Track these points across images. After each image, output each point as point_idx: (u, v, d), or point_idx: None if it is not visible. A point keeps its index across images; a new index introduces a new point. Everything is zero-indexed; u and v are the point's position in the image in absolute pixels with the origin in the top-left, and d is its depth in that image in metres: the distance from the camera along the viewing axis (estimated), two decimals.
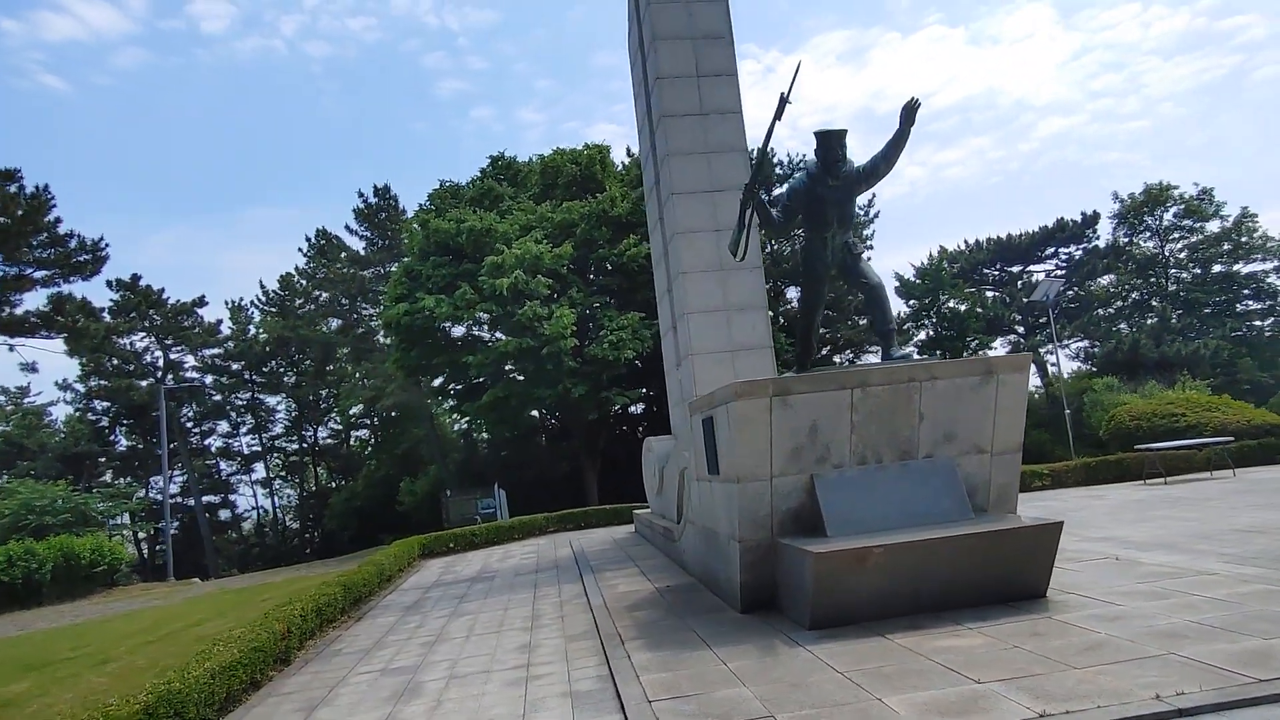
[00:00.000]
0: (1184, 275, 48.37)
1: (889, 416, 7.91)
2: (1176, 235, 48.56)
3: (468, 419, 37.50)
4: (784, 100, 8.17)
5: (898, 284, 48.60)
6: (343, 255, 46.43)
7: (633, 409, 35.97)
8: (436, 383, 34.98)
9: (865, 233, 43.46)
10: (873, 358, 37.19)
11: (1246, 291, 46.58)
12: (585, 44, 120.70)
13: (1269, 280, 46.51)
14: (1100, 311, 48.34)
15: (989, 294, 49.43)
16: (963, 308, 44.52)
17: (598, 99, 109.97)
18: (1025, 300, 43.07)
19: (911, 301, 49.47)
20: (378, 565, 13.28)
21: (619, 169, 33.32)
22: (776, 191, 9.66)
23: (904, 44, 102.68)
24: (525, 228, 27.93)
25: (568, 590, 11.20)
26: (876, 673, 5.58)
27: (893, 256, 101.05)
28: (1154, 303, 48.47)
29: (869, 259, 8.95)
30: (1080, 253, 49.48)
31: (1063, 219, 49.14)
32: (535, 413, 30.41)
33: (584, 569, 12.77)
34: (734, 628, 7.53)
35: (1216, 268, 47.12)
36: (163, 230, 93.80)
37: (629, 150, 39.95)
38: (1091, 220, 48.68)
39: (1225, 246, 47.02)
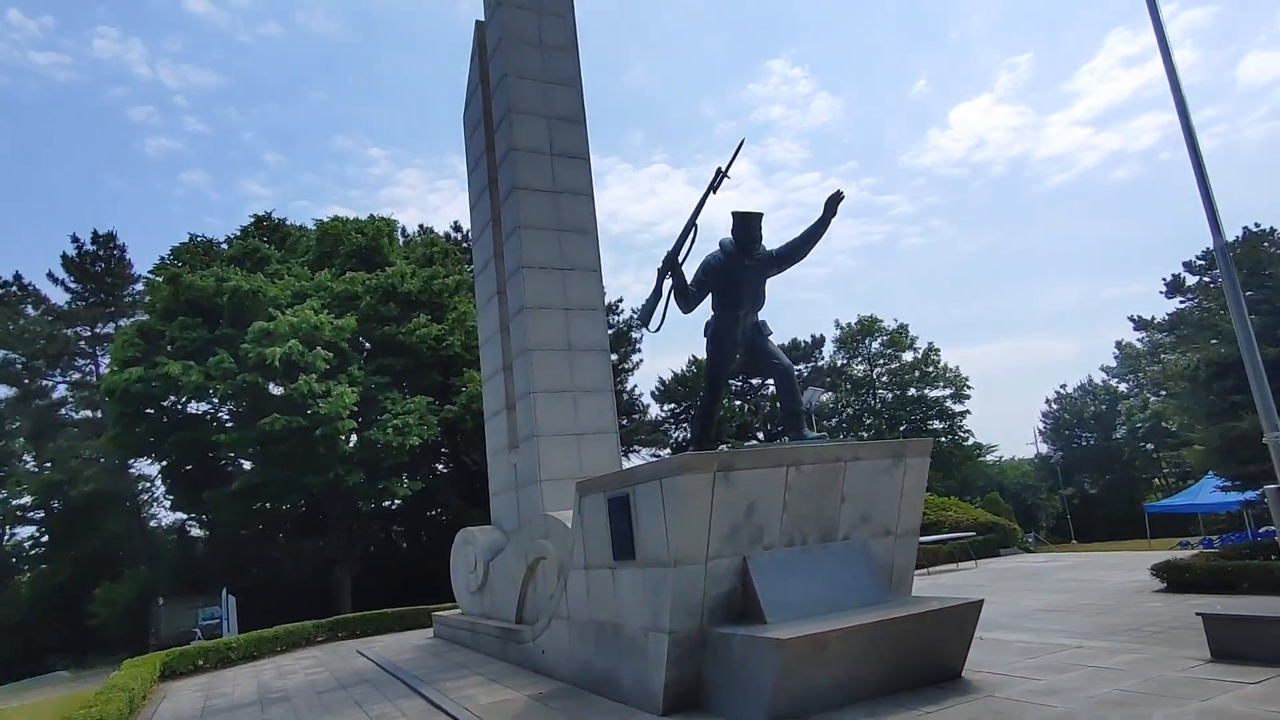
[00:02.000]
0: (887, 395, 56.64)
1: (818, 497, 7.85)
2: (882, 361, 57.05)
3: (191, 513, 31.85)
4: (721, 174, 8.20)
5: (660, 387, 51.31)
6: (28, 310, 38.13)
7: (385, 504, 33.00)
8: (157, 467, 29.36)
9: (633, 336, 45.47)
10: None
11: (933, 412, 55.54)
12: (326, 125, 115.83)
13: (947, 404, 56.01)
14: (826, 423, 54.51)
15: (736, 403, 53.73)
16: (721, 414, 47.85)
17: (333, 181, 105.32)
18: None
19: (669, 405, 52.32)
20: (126, 691, 10.24)
21: (403, 245, 31.68)
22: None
23: (635, 174, 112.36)
24: (299, 295, 25.11)
25: (410, 707, 9.42)
26: None
27: (652, 360, 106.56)
28: (866, 419, 55.85)
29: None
30: (809, 370, 55.93)
31: (796, 339, 55.49)
32: (285, 505, 26.46)
33: (410, 681, 10.91)
34: None
35: (911, 391, 55.83)
36: None
37: (405, 230, 38.53)
38: (819, 343, 55.65)
39: (916, 374, 56.01)
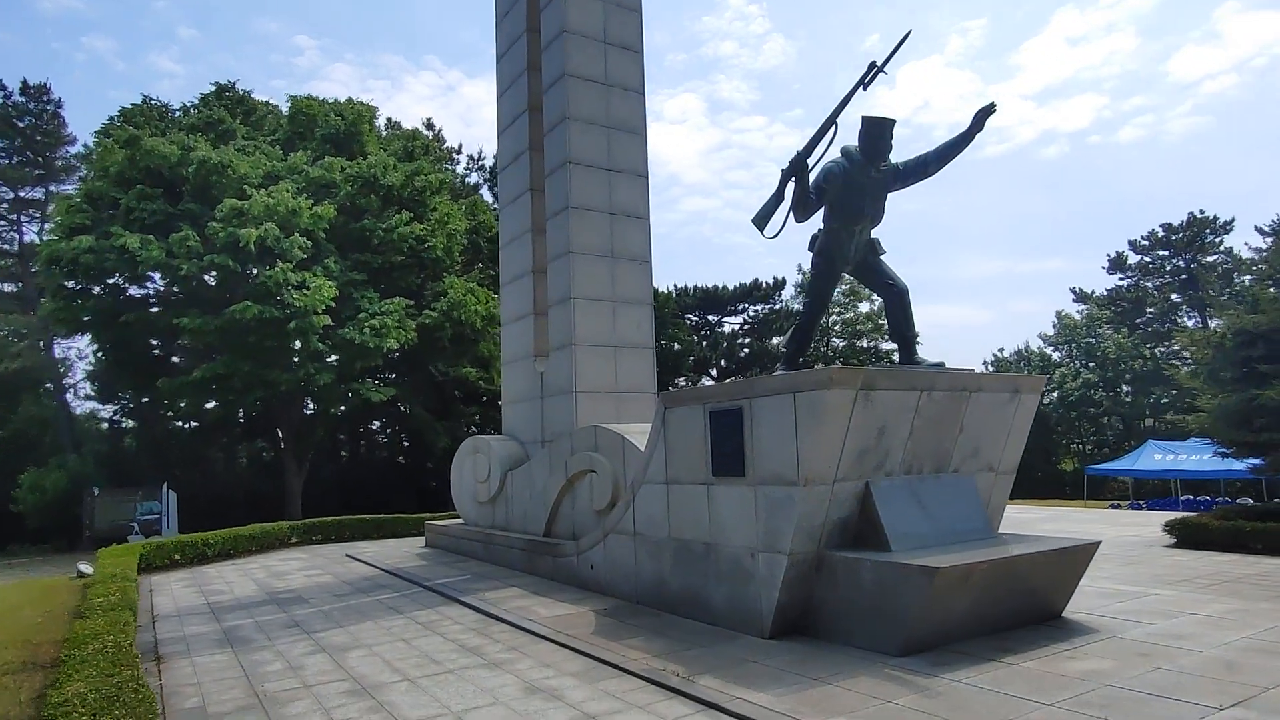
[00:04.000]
0: (839, 344, 57.52)
1: (939, 425, 7.49)
2: (838, 310, 57.64)
3: (119, 403, 29.86)
4: (876, 68, 7.46)
5: None
6: None
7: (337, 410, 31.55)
8: (80, 349, 27.16)
9: None
10: None
11: (881, 364, 56.81)
12: (250, 3, 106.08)
13: (894, 359, 57.36)
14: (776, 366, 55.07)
15: (693, 338, 53.58)
16: (676, 347, 47.58)
17: (255, 67, 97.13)
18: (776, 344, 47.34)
19: None
20: (131, 580, 9.33)
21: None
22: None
23: None
24: (271, 175, 23.06)
25: (459, 615, 8.85)
26: (1097, 704, 4.92)
27: None
28: (816, 367, 56.71)
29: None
30: (767, 310, 56.11)
31: (758, 280, 55.45)
32: (250, 400, 24.74)
33: (443, 590, 10.32)
34: (802, 657, 6.36)
35: (863, 342, 56.83)
36: None
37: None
38: (780, 285, 55.73)
39: (870, 325, 56.92)
